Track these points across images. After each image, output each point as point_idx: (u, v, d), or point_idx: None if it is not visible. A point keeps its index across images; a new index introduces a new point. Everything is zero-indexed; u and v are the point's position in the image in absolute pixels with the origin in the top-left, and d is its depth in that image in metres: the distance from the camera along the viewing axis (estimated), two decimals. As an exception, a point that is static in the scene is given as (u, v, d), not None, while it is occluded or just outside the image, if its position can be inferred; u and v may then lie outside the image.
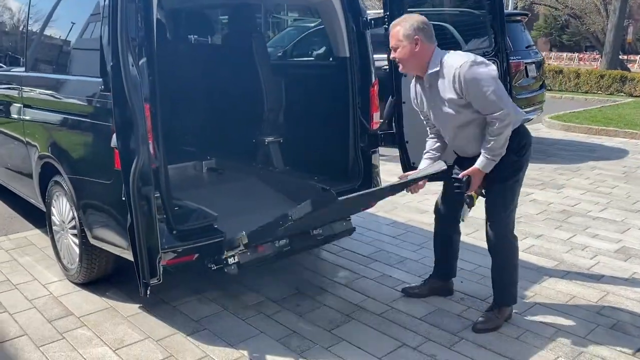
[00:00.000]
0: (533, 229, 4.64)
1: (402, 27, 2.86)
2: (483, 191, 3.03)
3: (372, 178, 3.91)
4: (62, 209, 3.52)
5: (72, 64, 3.33)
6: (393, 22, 2.98)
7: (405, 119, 3.74)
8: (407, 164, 3.80)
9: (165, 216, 2.87)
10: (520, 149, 2.90)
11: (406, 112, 3.73)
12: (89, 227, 3.22)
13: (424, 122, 3.19)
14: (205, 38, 4.67)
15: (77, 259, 3.43)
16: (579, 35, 36.17)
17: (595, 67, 22.72)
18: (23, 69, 3.88)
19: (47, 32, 3.73)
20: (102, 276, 3.51)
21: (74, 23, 3.43)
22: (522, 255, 4.02)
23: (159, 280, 2.47)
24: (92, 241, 3.25)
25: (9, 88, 4.10)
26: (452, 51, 2.90)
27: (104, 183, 2.97)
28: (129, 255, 3.02)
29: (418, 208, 5.20)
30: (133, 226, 2.34)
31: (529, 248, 4.21)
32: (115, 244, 3.08)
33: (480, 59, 2.81)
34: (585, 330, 3.04)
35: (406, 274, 3.74)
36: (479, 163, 2.85)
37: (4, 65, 4.46)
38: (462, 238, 4.37)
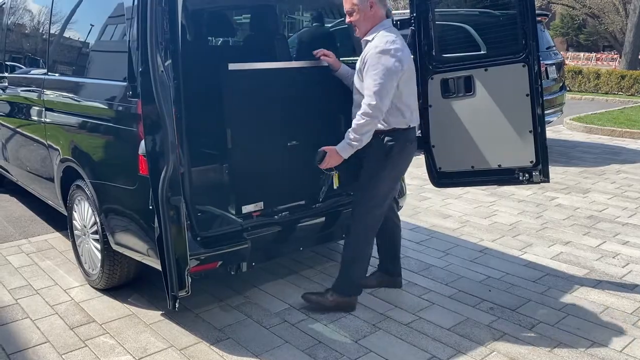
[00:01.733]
0: (561, 235, 4.52)
1: None
2: (333, 174, 3.15)
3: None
4: (83, 214, 3.48)
5: (96, 67, 3.29)
6: None
7: (431, 122, 3.66)
8: (433, 169, 3.72)
9: (189, 222, 2.82)
10: (386, 150, 3.01)
11: (432, 116, 3.66)
12: (111, 232, 3.18)
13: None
14: (226, 39, 4.61)
15: (99, 265, 3.39)
16: (597, 34, 35.69)
17: (613, 67, 22.36)
18: (44, 71, 3.85)
19: (70, 34, 3.70)
20: (124, 282, 3.47)
21: (96, 25, 3.39)
22: (551, 263, 3.94)
23: (188, 292, 2.41)
24: (115, 247, 3.21)
25: (29, 90, 4.09)
26: (391, 29, 2.99)
27: (127, 189, 2.93)
28: (151, 262, 2.98)
29: (441, 212, 5.10)
30: (162, 237, 2.28)
31: (558, 255, 4.10)
32: (138, 250, 3.04)
33: (395, 48, 2.88)
34: (621, 344, 2.93)
35: (432, 282, 3.65)
36: (339, 144, 2.95)
37: (23, 66, 4.45)
38: (488, 244, 4.31)
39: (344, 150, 2.95)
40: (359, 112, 2.89)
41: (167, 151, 2.17)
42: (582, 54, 35.10)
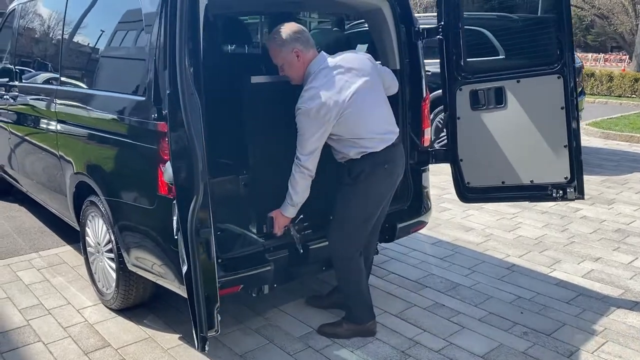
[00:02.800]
0: (589, 250, 4.35)
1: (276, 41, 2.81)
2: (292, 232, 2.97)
3: (422, 199, 3.67)
4: (97, 231, 3.34)
5: (110, 78, 3.14)
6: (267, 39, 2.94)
7: (459, 135, 3.50)
8: (461, 183, 3.56)
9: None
10: (354, 175, 2.85)
11: (461, 129, 3.50)
12: (127, 252, 3.03)
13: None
14: (242, 47, 4.46)
15: (114, 285, 3.25)
16: (605, 35, 35.44)
17: (622, 69, 22.07)
18: (56, 80, 3.71)
19: (84, 41, 3.55)
20: (140, 302, 3.32)
21: (111, 33, 3.25)
22: (582, 282, 3.77)
23: (217, 332, 2.25)
24: (131, 267, 3.06)
25: (41, 100, 3.95)
26: (319, 72, 2.76)
27: (145, 208, 2.78)
28: (170, 285, 2.84)
29: (462, 225, 4.94)
30: (190, 272, 2.12)
31: (589, 273, 3.93)
32: (156, 272, 2.89)
33: (317, 104, 2.66)
34: (667, 374, 2.77)
35: (460, 303, 3.48)
36: (282, 206, 2.87)
37: (34, 75, 4.31)
38: (515, 261, 4.15)
39: (286, 210, 2.86)
40: (294, 168, 2.79)
41: (197, 180, 2.02)
42: (589, 54, 34.82)
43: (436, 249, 4.40)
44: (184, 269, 2.16)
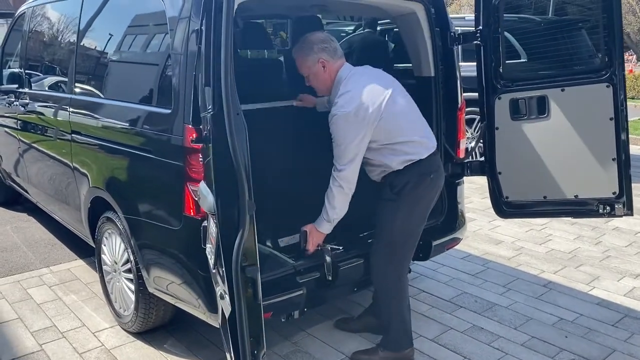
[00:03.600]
0: (628, 266, 4.13)
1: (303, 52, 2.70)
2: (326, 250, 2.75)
3: (457, 213, 3.47)
4: (114, 250, 3.14)
5: (133, 89, 2.93)
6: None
7: (498, 147, 3.30)
8: (499, 198, 3.34)
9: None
10: (398, 189, 2.67)
11: (499, 140, 3.29)
12: (148, 274, 2.83)
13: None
14: (262, 52, 4.26)
15: (132, 307, 3.05)
16: (612, 35, 35.10)
17: (630, 69, 21.71)
18: (70, 89, 3.51)
19: (102, 47, 3.34)
20: (160, 325, 3.13)
21: (131, 37, 3.06)
22: (626, 302, 3.56)
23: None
24: (152, 290, 2.86)
25: (53, 109, 3.75)
26: (349, 79, 2.65)
27: (169, 228, 2.58)
28: (195, 311, 2.64)
29: (491, 237, 4.73)
30: (234, 315, 1.90)
31: (631, 292, 3.71)
32: (179, 296, 2.69)
33: (355, 106, 2.54)
34: None
35: (499, 326, 3.27)
36: (317, 220, 2.69)
37: (45, 81, 4.11)
38: (551, 277, 3.93)
39: (320, 225, 2.68)
40: (332, 182, 2.62)
41: (244, 212, 1.81)
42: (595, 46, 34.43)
43: (467, 264, 4.19)
44: (225, 307, 1.94)
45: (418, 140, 2.72)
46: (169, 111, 2.43)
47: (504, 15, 3.21)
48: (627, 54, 33.02)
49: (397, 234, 2.72)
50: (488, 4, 3.20)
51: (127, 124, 2.84)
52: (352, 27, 8.17)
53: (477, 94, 3.28)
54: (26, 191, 4.68)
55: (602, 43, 3.04)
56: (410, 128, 2.72)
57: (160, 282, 2.78)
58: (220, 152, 1.83)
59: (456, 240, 3.50)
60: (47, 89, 3.99)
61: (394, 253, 2.75)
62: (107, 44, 3.26)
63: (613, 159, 3.06)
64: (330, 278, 2.76)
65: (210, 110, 1.85)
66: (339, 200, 2.61)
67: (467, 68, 3.82)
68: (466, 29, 3.42)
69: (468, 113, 6.36)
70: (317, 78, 2.71)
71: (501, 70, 3.23)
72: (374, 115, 2.57)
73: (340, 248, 2.77)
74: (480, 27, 3.23)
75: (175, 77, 2.36)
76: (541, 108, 3.16)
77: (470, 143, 7.29)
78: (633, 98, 15.31)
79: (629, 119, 11.71)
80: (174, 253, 2.63)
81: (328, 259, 2.73)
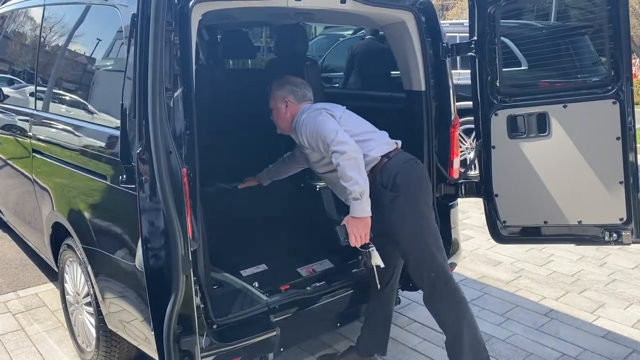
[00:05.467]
0: (635, 291, 3.86)
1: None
2: (370, 250, 2.44)
3: (451, 238, 3.20)
4: (76, 279, 2.89)
5: (90, 106, 2.66)
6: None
7: (494, 167, 3.03)
8: (497, 222, 3.08)
9: (203, 305, 2.21)
10: (391, 182, 2.50)
11: (496, 159, 3.03)
12: (107, 309, 2.57)
13: None
14: (245, 63, 4.02)
15: (94, 343, 2.79)
16: (615, 39, 34.87)
17: (634, 74, 21.46)
18: (33, 105, 3.26)
19: (63, 60, 3.09)
20: (124, 363, 2.86)
21: (89, 49, 2.82)
22: (634, 333, 3.29)
23: None
24: (110, 327, 2.61)
25: (16, 123, 3.50)
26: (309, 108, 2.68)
27: (128, 264, 2.32)
28: (154, 354, 2.37)
29: (489, 258, 4.45)
30: None
31: (639, 322, 3.43)
32: (137, 336, 2.43)
33: (315, 107, 2.66)
34: None
35: (496, 362, 3.01)
36: (350, 208, 2.43)
37: (8, 93, 3.83)
38: (553, 304, 3.66)
39: (356, 209, 2.38)
40: (335, 162, 2.41)
41: (177, 271, 1.55)
42: (601, 57, 34.25)
43: (463, 289, 3.89)
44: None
45: (377, 136, 2.67)
46: (118, 133, 2.17)
47: (502, 21, 2.97)
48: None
49: (416, 231, 2.51)
50: (483, 12, 2.95)
51: (83, 145, 2.58)
52: (350, 32, 7.93)
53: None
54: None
55: (609, 55, 2.78)
56: (370, 130, 2.70)
57: (117, 317, 2.52)
58: (145, 200, 1.57)
59: (451, 266, 3.23)
60: (9, 100, 3.73)
61: (427, 252, 2.51)
62: (64, 57, 3.00)
63: (620, 182, 2.80)
64: (380, 287, 2.54)
65: (138, 151, 1.58)
66: (351, 170, 2.35)
67: (466, 76, 3.58)
68: (465, 36, 3.16)
69: (467, 123, 6.18)
70: (278, 114, 2.76)
71: (498, 84, 2.98)
72: (336, 115, 2.61)
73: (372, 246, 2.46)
74: (475, 37, 2.98)
75: (125, 97, 2.10)
76: (541, 126, 2.90)
77: (469, 154, 7.06)
78: (637, 104, 15.05)
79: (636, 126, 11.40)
80: (131, 288, 2.36)
81: (378, 260, 2.43)
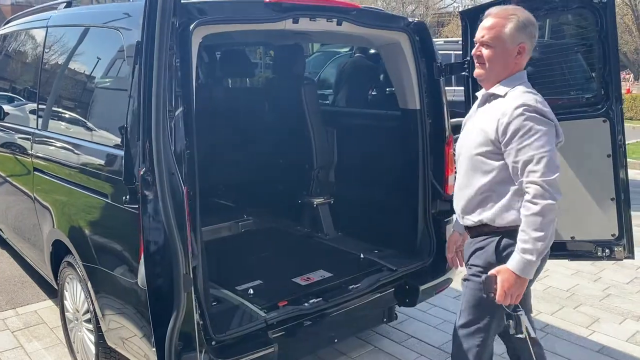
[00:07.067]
0: (629, 305, 3.89)
1: (510, 22, 2.05)
2: (519, 314, 2.08)
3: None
4: (75, 297, 2.92)
5: (92, 126, 2.72)
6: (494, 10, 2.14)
7: (488, 184, 3.08)
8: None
9: (202, 322, 2.24)
10: (502, 257, 2.09)
11: (490, 177, 3.08)
12: (107, 326, 2.60)
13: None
14: (244, 81, 4.10)
15: (93, 359, 2.81)
16: (609, 55, 35.17)
17: (627, 89, 21.64)
18: (35, 123, 3.32)
19: (64, 81, 3.15)
20: (123, 381, 2.88)
21: (91, 71, 2.87)
22: (629, 348, 3.32)
23: None
24: (111, 344, 2.63)
25: (17, 142, 3.55)
26: (530, 87, 2.11)
27: (128, 280, 2.35)
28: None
29: (485, 273, 4.48)
30: None
31: (634, 336, 3.47)
32: (136, 352, 2.46)
33: (548, 110, 2.03)
34: None
35: (492, 378, 3.02)
36: (510, 260, 1.99)
37: (9, 112, 3.89)
38: (548, 319, 3.65)
39: (520, 267, 1.95)
40: (527, 198, 1.94)
41: (179, 289, 1.60)
42: (593, 73, 34.50)
43: (459, 304, 3.93)
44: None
45: None
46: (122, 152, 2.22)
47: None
48: (624, 73, 33.10)
49: (494, 313, 2.23)
50: (476, 32, 3.02)
51: (84, 164, 2.63)
52: (347, 49, 8.04)
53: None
54: (-1, 228, 4.46)
55: (598, 75, 2.86)
56: None
57: (118, 335, 2.54)
58: (149, 219, 1.63)
59: (447, 282, 3.29)
60: (11, 119, 3.79)
61: (483, 331, 2.34)
62: (66, 77, 3.07)
63: (612, 199, 2.85)
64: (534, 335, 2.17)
65: (142, 170, 1.64)
66: (548, 224, 1.90)
67: (461, 93, 3.66)
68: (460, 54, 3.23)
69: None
70: (500, 56, 2.07)
71: (491, 103, 3.04)
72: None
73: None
74: (468, 58, 3.05)
75: (128, 119, 2.16)
76: None
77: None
78: (631, 119, 15.18)
79: (627, 141, 11.48)
80: (132, 306, 2.40)
81: (528, 327, 2.08)
